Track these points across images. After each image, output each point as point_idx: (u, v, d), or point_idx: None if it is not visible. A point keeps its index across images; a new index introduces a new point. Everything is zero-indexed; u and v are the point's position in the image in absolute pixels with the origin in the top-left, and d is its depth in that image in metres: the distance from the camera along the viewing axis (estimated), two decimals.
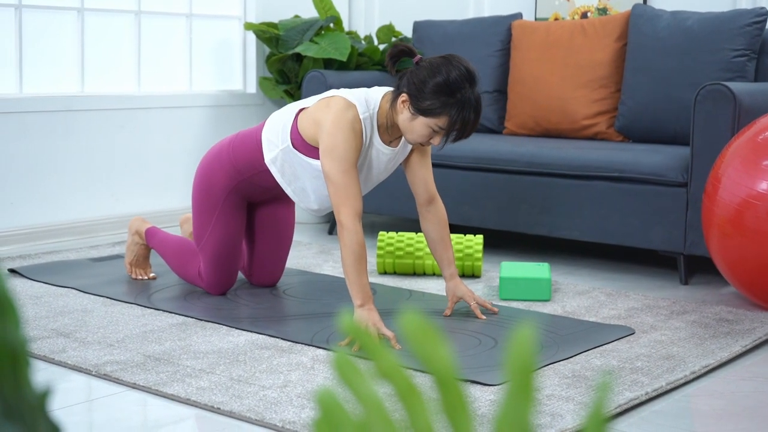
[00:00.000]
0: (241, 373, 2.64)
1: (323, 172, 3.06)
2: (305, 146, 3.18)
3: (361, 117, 3.08)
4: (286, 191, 3.32)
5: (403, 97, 3.03)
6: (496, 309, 3.30)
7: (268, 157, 3.27)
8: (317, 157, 3.16)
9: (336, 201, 3.02)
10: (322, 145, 3.07)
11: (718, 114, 3.66)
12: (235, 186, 3.39)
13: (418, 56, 3.07)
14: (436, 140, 3.04)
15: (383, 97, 3.14)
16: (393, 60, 3.12)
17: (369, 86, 3.32)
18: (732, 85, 3.67)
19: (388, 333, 2.91)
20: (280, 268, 3.66)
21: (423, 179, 3.31)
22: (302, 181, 3.26)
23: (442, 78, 2.96)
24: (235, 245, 3.46)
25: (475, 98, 2.98)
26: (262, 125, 3.34)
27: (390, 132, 3.18)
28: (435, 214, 3.31)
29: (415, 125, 3.02)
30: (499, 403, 0.56)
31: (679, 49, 4.28)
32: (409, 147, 3.27)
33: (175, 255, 3.59)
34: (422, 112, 2.99)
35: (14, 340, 0.54)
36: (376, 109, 3.13)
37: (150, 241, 3.68)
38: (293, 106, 3.26)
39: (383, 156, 3.20)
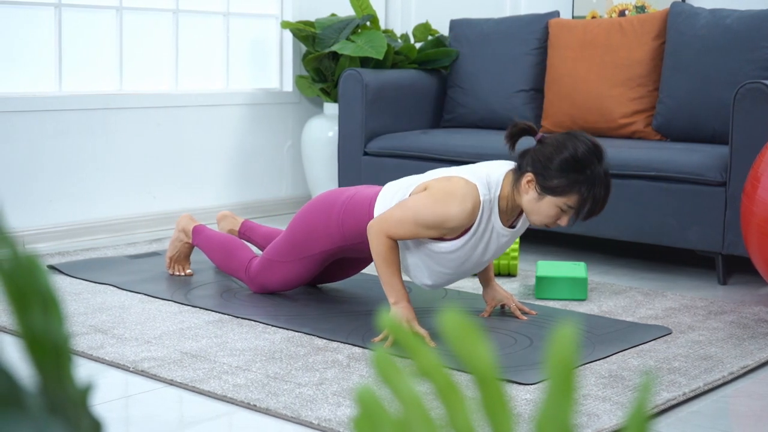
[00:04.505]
0: (277, 370, 2.65)
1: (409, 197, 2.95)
2: None
3: (481, 199, 2.90)
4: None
5: (529, 176, 2.86)
6: (534, 312, 3.29)
7: None
8: (431, 238, 2.96)
9: (379, 219, 2.94)
10: (425, 192, 2.92)
11: (757, 113, 3.63)
12: (333, 251, 3.25)
13: (540, 134, 2.92)
14: (564, 221, 2.87)
15: (505, 178, 2.96)
16: (513, 139, 2.95)
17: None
18: None
19: (422, 330, 2.90)
20: None
21: None
22: (415, 257, 3.05)
23: (569, 153, 2.81)
24: (299, 284, 3.42)
25: (604, 173, 2.84)
26: (377, 192, 3.14)
27: (509, 213, 2.99)
28: None
29: (542, 206, 2.86)
30: (540, 403, 0.56)
31: (717, 48, 4.24)
32: (526, 226, 3.09)
33: (218, 249, 3.59)
34: (550, 191, 2.83)
35: (57, 336, 0.54)
36: (498, 192, 2.93)
37: (195, 238, 3.69)
38: (411, 179, 3.08)
39: (503, 239, 3.01)
